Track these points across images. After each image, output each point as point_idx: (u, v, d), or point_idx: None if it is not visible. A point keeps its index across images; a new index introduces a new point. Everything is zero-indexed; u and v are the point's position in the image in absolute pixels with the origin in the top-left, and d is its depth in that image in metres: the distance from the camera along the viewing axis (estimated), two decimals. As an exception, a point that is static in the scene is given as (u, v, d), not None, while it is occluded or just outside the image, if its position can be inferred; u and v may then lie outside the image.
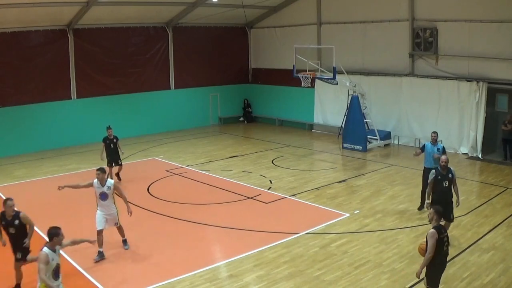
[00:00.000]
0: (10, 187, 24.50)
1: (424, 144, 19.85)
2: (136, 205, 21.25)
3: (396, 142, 32.47)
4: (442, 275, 12.12)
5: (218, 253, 16.94)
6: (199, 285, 14.02)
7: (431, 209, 11.86)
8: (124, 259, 16.09)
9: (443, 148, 19.36)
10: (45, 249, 11.07)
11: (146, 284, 13.97)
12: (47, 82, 32.84)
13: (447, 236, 11.74)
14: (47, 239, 11.25)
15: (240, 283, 14.03)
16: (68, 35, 33.61)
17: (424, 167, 19.52)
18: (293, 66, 31.88)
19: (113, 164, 24.37)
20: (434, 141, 19.32)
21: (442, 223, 12.47)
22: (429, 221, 11.85)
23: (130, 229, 18.33)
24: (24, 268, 14.14)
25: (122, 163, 25.09)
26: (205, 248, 17.10)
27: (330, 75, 30.30)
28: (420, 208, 19.66)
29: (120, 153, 24.54)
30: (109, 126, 24.57)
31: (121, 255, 16.46)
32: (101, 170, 16.70)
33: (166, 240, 17.60)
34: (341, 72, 30.99)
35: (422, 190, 19.70)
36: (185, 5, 35.55)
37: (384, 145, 31.98)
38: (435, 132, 19.59)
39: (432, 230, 11.41)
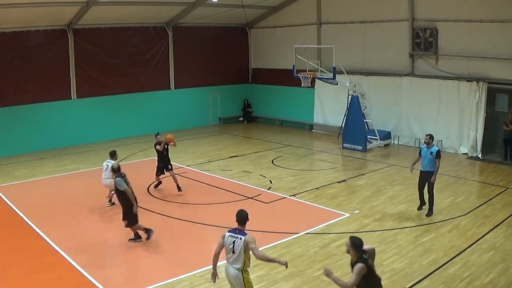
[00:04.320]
0: (10, 187, 24.53)
1: (421, 148, 19.75)
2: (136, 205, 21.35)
3: (396, 142, 32.46)
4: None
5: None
6: (199, 285, 14.04)
7: (348, 240, 10.49)
8: (124, 259, 16.13)
9: (438, 152, 18.98)
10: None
11: (146, 284, 13.97)
12: (47, 82, 32.85)
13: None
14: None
15: (240, 283, 14.05)
16: (68, 35, 33.63)
17: (420, 171, 19.53)
18: (293, 66, 31.88)
19: (164, 171, 23.36)
20: (427, 144, 19.14)
21: None
22: (346, 252, 10.61)
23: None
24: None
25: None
26: (205, 248, 17.02)
27: (330, 75, 30.29)
28: (420, 208, 19.63)
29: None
30: (158, 132, 23.75)
31: (120, 255, 16.50)
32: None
33: (166, 240, 17.62)
34: (341, 72, 30.98)
35: (419, 192, 19.66)
36: (185, 5, 35.56)
37: (384, 145, 31.97)
38: (428, 135, 19.39)
39: (360, 264, 10.05)
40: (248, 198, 21.90)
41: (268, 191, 22.90)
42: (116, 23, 35.68)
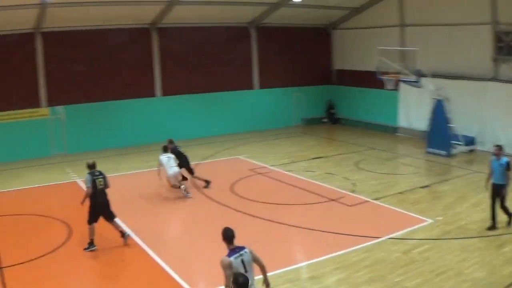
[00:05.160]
0: None
1: (491, 160, 18.67)
2: (218, 202, 21.98)
3: (480, 148, 31.93)
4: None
5: (299, 254, 17.20)
6: (280, 285, 14.24)
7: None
8: (203, 255, 16.49)
9: (507, 163, 18.01)
10: None
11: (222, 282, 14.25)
12: (131, 79, 34.13)
13: None
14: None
15: (321, 285, 14.21)
16: (152, 33, 34.52)
17: (492, 183, 18.57)
18: (377, 68, 31.92)
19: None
20: (496, 155, 18.22)
21: None
22: None
23: (211, 225, 18.79)
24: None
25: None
26: (286, 248, 17.43)
27: (414, 78, 30.17)
28: (490, 228, 18.41)
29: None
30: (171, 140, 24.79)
31: (199, 250, 16.90)
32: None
33: (247, 239, 17.70)
34: (425, 75, 30.76)
35: (491, 207, 18.52)
36: (268, 6, 35.91)
37: (468, 150, 31.42)
38: (497, 146, 18.55)
39: None
40: (331, 200, 22.01)
41: (351, 194, 22.93)
42: (200, 23, 36.49)
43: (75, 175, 26.94)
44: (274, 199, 22.34)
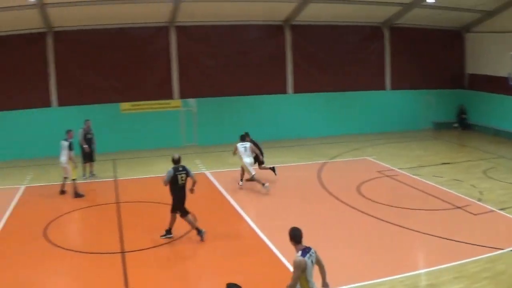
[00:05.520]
0: (222, 173, 26.88)
1: None
2: (344, 202, 22.12)
3: None
4: None
5: (419, 260, 17.02)
6: (398, 290, 14.06)
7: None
8: (326, 253, 16.42)
9: None
10: None
11: (345, 283, 14.30)
12: (263, 75, 34.87)
13: None
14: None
15: (438, 294, 13.99)
16: (285, 30, 34.76)
17: None
18: (508, 74, 31.06)
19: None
20: None
21: None
22: None
23: (335, 226, 18.80)
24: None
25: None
26: (407, 253, 17.26)
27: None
28: None
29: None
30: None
31: (324, 250, 16.83)
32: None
33: (370, 241, 17.95)
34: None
35: None
36: (401, 6, 35.55)
37: None
38: None
39: None
40: (457, 207, 21.52)
41: (477, 202, 22.26)
42: (332, 21, 36.70)
43: (204, 167, 28.29)
44: (399, 202, 22.21)
